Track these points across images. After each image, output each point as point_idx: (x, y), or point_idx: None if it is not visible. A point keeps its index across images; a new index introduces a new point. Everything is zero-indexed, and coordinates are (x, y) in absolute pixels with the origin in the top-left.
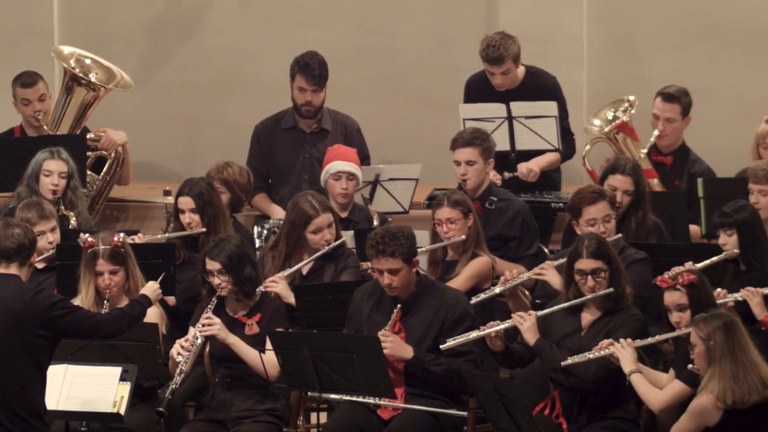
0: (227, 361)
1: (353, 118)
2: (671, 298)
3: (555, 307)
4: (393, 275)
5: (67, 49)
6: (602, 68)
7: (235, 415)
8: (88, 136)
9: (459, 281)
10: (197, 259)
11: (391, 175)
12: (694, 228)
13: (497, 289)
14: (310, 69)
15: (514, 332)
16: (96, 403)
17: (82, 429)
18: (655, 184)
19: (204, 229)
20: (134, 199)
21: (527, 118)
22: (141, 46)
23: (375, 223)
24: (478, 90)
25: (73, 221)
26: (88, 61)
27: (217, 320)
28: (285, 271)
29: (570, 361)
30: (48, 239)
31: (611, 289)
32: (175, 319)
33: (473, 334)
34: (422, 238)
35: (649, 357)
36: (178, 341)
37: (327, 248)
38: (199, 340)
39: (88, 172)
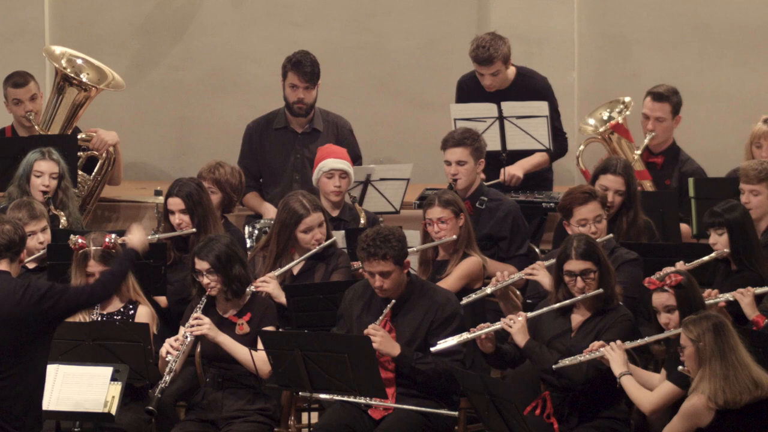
0: (218, 361)
1: (344, 118)
2: (659, 299)
3: (545, 309)
4: (384, 278)
5: (58, 49)
6: (593, 68)
7: (226, 415)
8: (79, 137)
9: (450, 281)
10: (187, 259)
11: (382, 175)
12: (684, 227)
13: (488, 290)
14: (302, 66)
15: (504, 333)
16: (87, 404)
17: (74, 429)
18: (648, 186)
19: (194, 230)
20: (125, 199)
21: (518, 118)
22: (132, 46)
23: (362, 221)
24: (469, 90)
25: (63, 221)
26: (79, 61)
27: (206, 320)
28: (276, 271)
29: (561, 364)
30: (39, 239)
31: (601, 290)
32: (166, 320)
33: (463, 336)
34: (413, 238)
35: (640, 357)
36: (167, 340)
37: (318, 248)
38: (189, 340)
39: (80, 172)
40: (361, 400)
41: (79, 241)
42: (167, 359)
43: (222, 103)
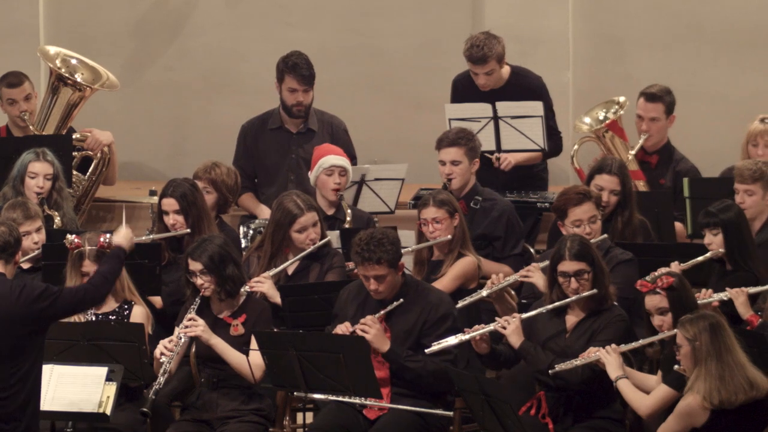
0: (213, 361)
1: (339, 118)
2: (652, 302)
3: (539, 310)
4: (379, 281)
5: (52, 49)
6: (588, 68)
7: (221, 415)
8: (74, 137)
9: (445, 281)
10: (182, 260)
11: (377, 175)
12: (679, 226)
13: (483, 293)
14: (300, 69)
15: (499, 334)
16: (82, 404)
17: (66, 429)
18: (642, 185)
19: (188, 230)
20: (120, 200)
21: (513, 117)
22: (127, 47)
23: (348, 218)
24: (464, 90)
25: (57, 221)
26: (73, 61)
27: (200, 321)
28: (270, 271)
29: (557, 368)
30: (33, 239)
31: (595, 291)
32: (161, 321)
33: (458, 338)
34: (408, 238)
35: (635, 358)
36: (162, 341)
37: (312, 247)
38: (183, 341)
39: (74, 173)
40: (356, 400)
41: (75, 240)
42: (161, 360)
43: (217, 104)
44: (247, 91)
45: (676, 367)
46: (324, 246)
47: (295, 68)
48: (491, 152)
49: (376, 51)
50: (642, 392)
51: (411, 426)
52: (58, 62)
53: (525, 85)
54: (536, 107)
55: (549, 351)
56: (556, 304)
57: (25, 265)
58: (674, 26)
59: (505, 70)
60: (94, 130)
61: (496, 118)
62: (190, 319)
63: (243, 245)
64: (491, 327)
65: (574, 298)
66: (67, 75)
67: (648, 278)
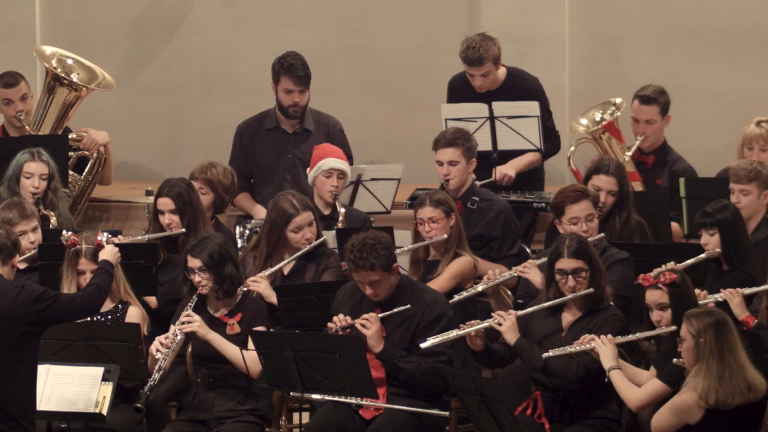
0: (209, 360)
1: (335, 118)
2: (652, 296)
3: (535, 307)
4: (374, 286)
5: (48, 49)
6: (584, 68)
7: (217, 415)
8: (70, 137)
9: (441, 281)
10: (177, 260)
11: (373, 175)
12: (675, 226)
13: (480, 288)
14: (296, 70)
15: (495, 331)
16: (78, 404)
17: (62, 425)
18: (638, 187)
19: (183, 230)
20: (116, 200)
21: (509, 118)
22: (123, 46)
23: (341, 218)
24: (460, 90)
25: (53, 221)
26: (69, 61)
27: (196, 317)
28: (266, 271)
29: (551, 353)
30: (29, 239)
31: (591, 290)
32: (156, 321)
33: (453, 334)
34: (404, 237)
35: (630, 355)
36: (157, 338)
37: (308, 247)
38: (179, 337)
39: (70, 173)
40: (352, 400)
41: (71, 237)
42: (157, 357)
43: (213, 103)
44: (243, 91)
45: (675, 360)
46: (320, 246)
47: (291, 69)
48: (488, 153)
49: (373, 51)
50: (634, 386)
51: (407, 426)
52: (54, 62)
53: (521, 86)
54: (532, 107)
55: (544, 349)
56: (553, 301)
57: (22, 265)
58: (670, 27)
59: (501, 72)
60: (90, 130)
61: (492, 119)
62: (186, 316)
63: (239, 245)
64: (487, 323)
65: (570, 296)
66: (63, 75)
67: (651, 273)
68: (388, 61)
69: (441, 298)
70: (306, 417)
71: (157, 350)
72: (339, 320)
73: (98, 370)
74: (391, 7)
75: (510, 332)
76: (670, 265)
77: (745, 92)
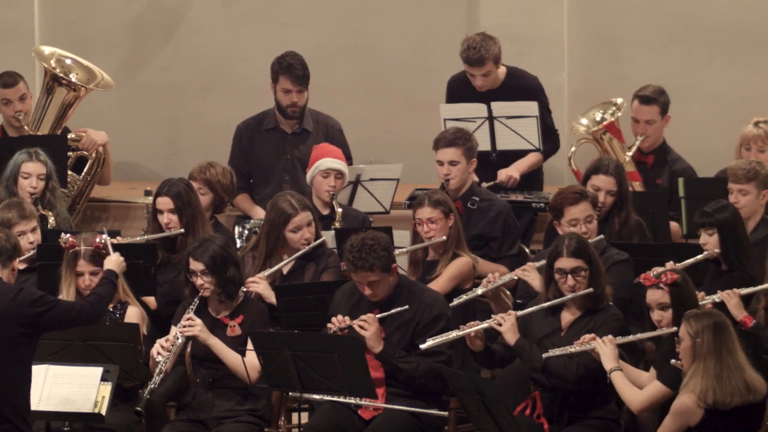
0: (208, 361)
1: (334, 118)
2: (653, 296)
3: (535, 307)
4: (373, 286)
5: (47, 49)
6: (583, 68)
7: (217, 415)
8: (68, 137)
9: (440, 282)
10: (176, 260)
11: (372, 175)
12: (674, 226)
13: (479, 291)
14: (294, 70)
15: (494, 332)
16: (77, 404)
17: (64, 429)
18: (638, 187)
19: (182, 230)
20: (115, 200)
21: (508, 118)
22: (122, 46)
23: (338, 217)
24: (459, 90)
25: (51, 221)
26: (68, 61)
27: (198, 321)
28: (266, 271)
29: (551, 353)
30: (29, 239)
31: (591, 289)
32: (155, 321)
33: (453, 334)
34: (403, 238)
35: (630, 356)
36: (158, 341)
37: (307, 248)
38: (180, 340)
39: (69, 173)
40: (351, 401)
41: (70, 239)
42: (158, 359)
43: (212, 104)
44: (242, 91)
45: (672, 361)
46: (319, 246)
47: (290, 69)
48: (487, 153)
49: (372, 51)
50: (635, 387)
51: (406, 426)
52: (52, 62)
53: (521, 86)
54: (531, 107)
55: (544, 349)
56: (553, 301)
57: (21, 266)
58: (670, 26)
59: (501, 71)
60: (89, 130)
61: (491, 119)
62: (188, 319)
63: (238, 246)
64: (487, 324)
65: (570, 296)
66: (61, 75)
67: (652, 273)
68: (387, 61)
69: (440, 299)
70: (305, 417)
71: (158, 353)
72: (338, 321)
73: (97, 370)
74: (391, 7)
75: (510, 333)
76: (670, 264)
77: (744, 92)
